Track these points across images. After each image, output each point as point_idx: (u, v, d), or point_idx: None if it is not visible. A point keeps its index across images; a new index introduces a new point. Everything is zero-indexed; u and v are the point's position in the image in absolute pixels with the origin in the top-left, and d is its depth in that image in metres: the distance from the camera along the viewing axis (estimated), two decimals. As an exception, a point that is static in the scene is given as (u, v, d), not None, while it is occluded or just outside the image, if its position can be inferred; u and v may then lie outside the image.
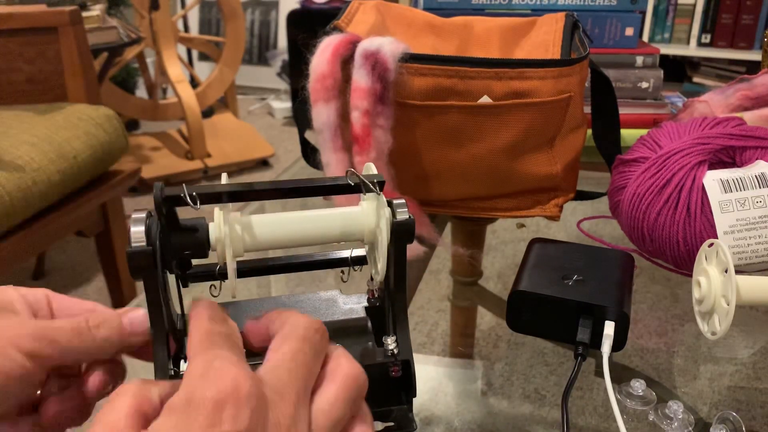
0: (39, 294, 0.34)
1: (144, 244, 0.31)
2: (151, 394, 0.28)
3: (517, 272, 0.51)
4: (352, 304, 0.40)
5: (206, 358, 0.28)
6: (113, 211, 1.39)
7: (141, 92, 2.98)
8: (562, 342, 0.52)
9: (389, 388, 0.36)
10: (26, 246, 1.13)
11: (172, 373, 0.32)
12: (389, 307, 0.36)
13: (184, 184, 0.32)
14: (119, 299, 1.49)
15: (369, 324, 0.38)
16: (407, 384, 0.36)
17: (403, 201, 0.34)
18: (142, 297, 0.59)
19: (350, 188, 0.34)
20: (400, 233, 0.34)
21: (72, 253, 1.95)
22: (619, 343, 0.46)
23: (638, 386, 0.45)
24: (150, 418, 0.27)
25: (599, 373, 0.47)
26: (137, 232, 0.31)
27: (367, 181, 0.34)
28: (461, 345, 0.56)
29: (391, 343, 0.36)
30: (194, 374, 0.27)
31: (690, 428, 0.43)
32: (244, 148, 2.63)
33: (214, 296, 0.38)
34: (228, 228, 0.32)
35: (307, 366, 0.29)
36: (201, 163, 2.50)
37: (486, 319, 0.58)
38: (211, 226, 0.33)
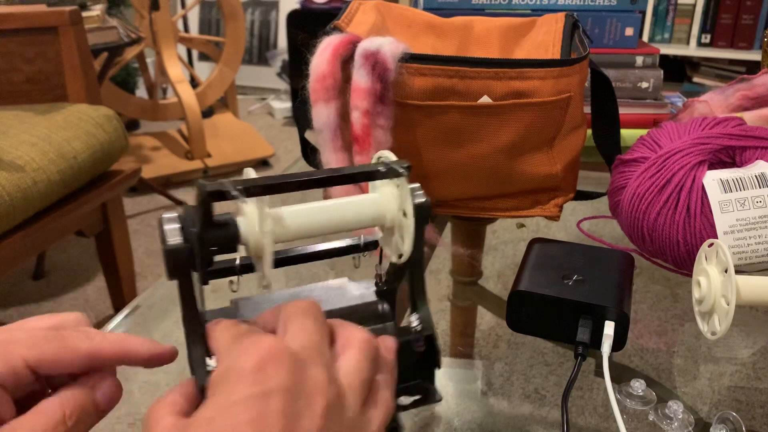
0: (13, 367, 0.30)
1: (180, 241, 0.31)
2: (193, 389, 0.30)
3: (517, 272, 0.51)
4: (363, 290, 0.41)
5: (236, 338, 0.29)
6: (113, 211, 1.39)
7: (141, 92, 2.98)
8: (562, 342, 0.52)
9: (413, 363, 0.38)
10: (26, 246, 1.13)
11: (209, 369, 0.33)
12: (409, 286, 0.38)
13: (225, 180, 0.32)
14: (119, 299, 1.49)
15: (386, 306, 0.40)
16: (431, 358, 0.38)
17: (418, 185, 0.36)
18: (142, 297, 0.59)
19: (382, 174, 0.36)
20: (420, 215, 0.36)
21: (72, 253, 1.96)
22: (619, 343, 0.46)
23: (638, 386, 0.45)
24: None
25: (599, 373, 0.47)
26: (172, 230, 0.31)
27: (396, 167, 0.35)
28: (461, 345, 0.56)
29: (414, 320, 0.37)
30: (228, 351, 0.28)
31: (690, 428, 0.43)
32: (244, 148, 2.63)
33: (234, 291, 0.38)
34: (270, 220, 0.33)
35: (319, 333, 0.31)
36: (201, 163, 2.50)
37: (486, 319, 0.58)
38: (241, 221, 0.33)
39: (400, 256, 0.37)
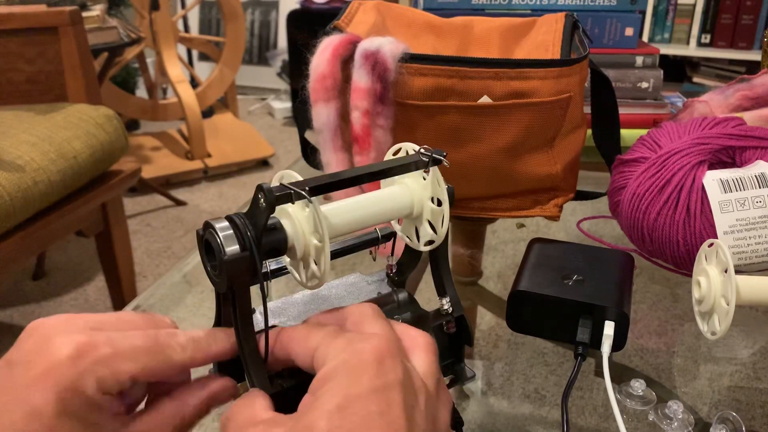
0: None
1: (238, 249, 0.31)
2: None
3: (517, 272, 0.51)
4: (377, 283, 0.42)
5: (335, 336, 0.30)
6: (113, 211, 1.39)
7: (141, 92, 2.98)
8: (562, 342, 0.52)
9: (444, 344, 0.39)
10: (26, 246, 1.13)
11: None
12: (435, 271, 0.40)
13: (287, 183, 0.32)
14: (119, 299, 1.49)
15: (405, 295, 0.41)
16: (460, 338, 0.40)
17: (438, 171, 0.37)
18: (142, 297, 0.59)
19: (425, 163, 0.37)
20: (450, 201, 0.37)
21: (72, 253, 1.96)
22: (619, 343, 0.46)
23: (638, 386, 0.45)
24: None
25: (599, 373, 0.47)
26: (228, 237, 0.31)
27: (439, 155, 0.37)
28: (461, 345, 0.56)
29: (445, 303, 0.39)
30: (339, 347, 0.29)
31: (690, 428, 0.43)
32: (244, 148, 2.63)
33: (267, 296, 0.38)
34: (324, 216, 0.33)
35: (395, 334, 0.31)
36: (201, 163, 2.50)
37: (486, 319, 0.58)
38: (286, 223, 0.33)
39: (428, 243, 0.39)
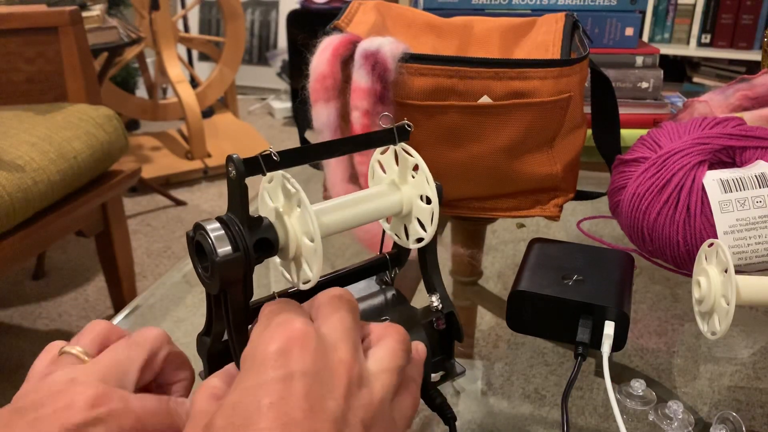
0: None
1: (230, 250, 0.30)
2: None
3: (517, 272, 0.51)
4: (366, 282, 0.42)
5: (269, 317, 0.30)
6: (113, 211, 1.39)
7: (141, 92, 2.98)
8: (562, 342, 0.52)
9: (435, 341, 0.39)
10: (26, 246, 1.13)
11: None
12: (424, 268, 0.40)
13: (263, 153, 0.31)
14: (119, 299, 1.49)
15: (394, 293, 0.41)
16: (450, 334, 0.40)
17: (427, 170, 0.37)
18: (142, 297, 0.59)
19: (391, 137, 0.37)
20: (439, 198, 0.38)
21: (72, 253, 1.95)
22: (619, 343, 0.46)
23: (638, 386, 0.45)
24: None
25: (599, 373, 0.47)
26: (220, 237, 0.30)
27: (404, 125, 0.37)
28: (461, 345, 0.56)
29: (435, 300, 0.39)
30: (258, 331, 0.29)
31: (690, 428, 0.43)
32: (244, 148, 2.63)
33: None
34: (315, 215, 0.32)
35: (351, 318, 0.31)
36: (201, 163, 2.50)
37: (486, 319, 0.58)
38: (277, 223, 0.33)
39: (418, 240, 0.39)
